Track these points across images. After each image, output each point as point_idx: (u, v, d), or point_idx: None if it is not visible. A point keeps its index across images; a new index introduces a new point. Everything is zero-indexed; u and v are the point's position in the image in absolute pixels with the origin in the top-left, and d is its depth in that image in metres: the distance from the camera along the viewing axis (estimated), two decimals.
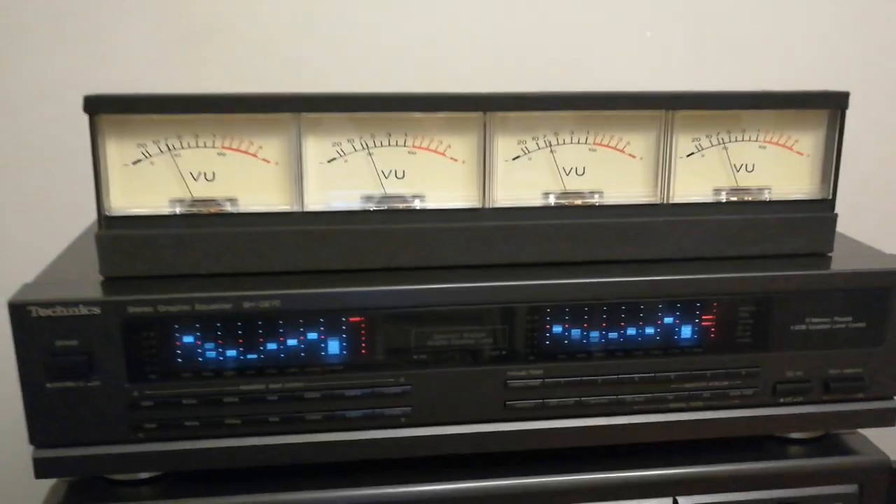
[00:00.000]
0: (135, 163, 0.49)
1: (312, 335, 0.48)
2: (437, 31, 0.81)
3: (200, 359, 0.47)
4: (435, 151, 0.51)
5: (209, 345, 0.47)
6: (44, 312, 0.45)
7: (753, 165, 0.53)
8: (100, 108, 0.47)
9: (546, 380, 0.50)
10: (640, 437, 0.52)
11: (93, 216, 0.50)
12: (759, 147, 0.53)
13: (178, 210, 0.49)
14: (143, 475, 0.50)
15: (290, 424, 0.49)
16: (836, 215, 0.53)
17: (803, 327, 0.52)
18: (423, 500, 0.51)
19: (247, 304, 0.47)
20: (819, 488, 0.54)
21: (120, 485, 0.51)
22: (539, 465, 0.52)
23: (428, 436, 0.50)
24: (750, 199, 0.53)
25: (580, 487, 0.52)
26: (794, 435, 0.56)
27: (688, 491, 0.53)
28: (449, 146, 0.51)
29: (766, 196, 0.53)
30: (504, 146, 0.51)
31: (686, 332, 0.51)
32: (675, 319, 0.51)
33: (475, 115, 0.50)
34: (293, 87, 0.52)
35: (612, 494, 0.52)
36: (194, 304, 0.46)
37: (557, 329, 0.50)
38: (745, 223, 0.53)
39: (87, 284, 0.48)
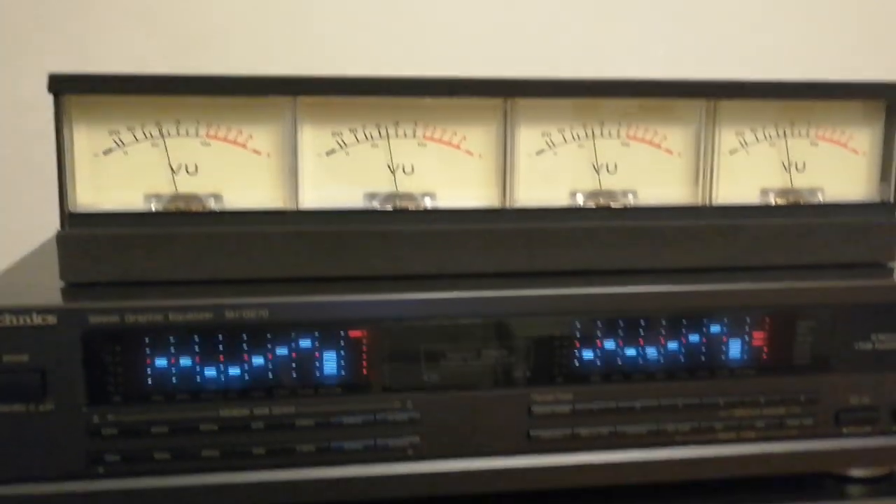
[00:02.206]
0: (106, 152, 0.42)
1: (305, 351, 0.41)
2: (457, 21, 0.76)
3: (174, 378, 0.40)
4: (448, 144, 0.45)
5: (184, 362, 0.40)
6: None
7: (804, 164, 0.48)
8: (66, 87, 0.41)
9: (576, 405, 0.43)
10: (684, 473, 0.45)
11: None
12: (811, 144, 0.48)
13: (154, 207, 0.43)
14: None
15: (278, 457, 0.41)
16: None
17: (869, 346, 0.45)
18: None
19: (229, 314, 0.40)
20: None
21: None
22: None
23: (439, 472, 0.43)
24: (801, 201, 0.47)
25: None
26: (857, 473, 0.49)
27: None
28: (464, 138, 0.45)
29: (819, 198, 0.48)
30: (527, 139, 0.45)
31: (735, 350, 0.45)
32: (722, 336, 0.44)
33: (494, 103, 0.44)
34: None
35: None
36: (168, 313, 0.40)
37: (589, 347, 0.43)
38: (797, 228, 0.47)
39: (44, 290, 0.42)
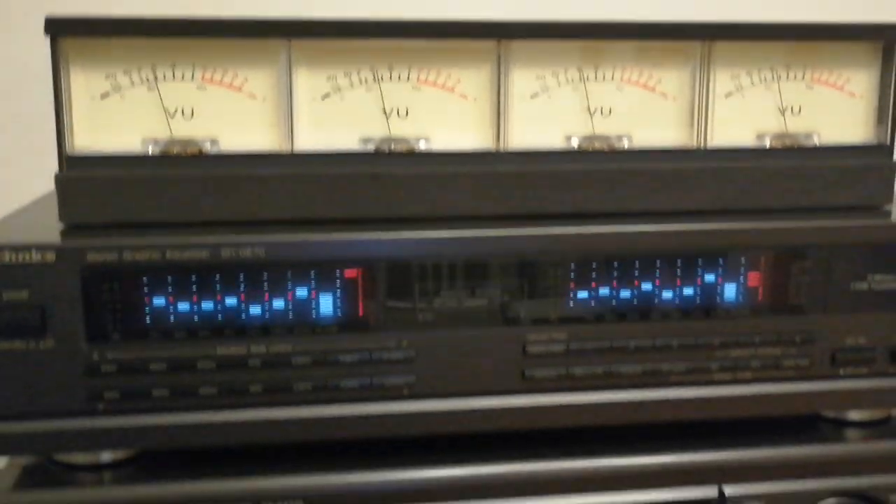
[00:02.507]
0: (103, 96, 0.43)
1: (302, 290, 0.42)
2: None
3: (171, 316, 0.41)
4: (443, 87, 0.45)
5: (182, 300, 0.41)
6: None
7: (800, 108, 0.48)
8: (63, 29, 0.41)
9: (571, 345, 0.44)
10: (679, 414, 0.45)
11: None
12: (807, 87, 0.47)
13: (151, 150, 0.43)
14: (106, 458, 0.44)
15: (275, 395, 0.42)
16: (895, 163, 0.48)
17: (865, 286, 0.45)
18: (428, 486, 0.44)
19: (226, 253, 0.41)
20: (883, 477, 0.47)
21: (79, 470, 0.44)
22: (563, 447, 0.45)
23: (434, 411, 0.43)
24: (797, 145, 0.47)
25: (611, 473, 0.45)
26: (854, 416, 0.49)
27: (735, 479, 0.46)
28: (458, 81, 0.45)
29: (815, 141, 0.48)
30: (521, 81, 0.45)
31: (730, 291, 0.44)
32: (717, 277, 0.44)
33: (488, 45, 0.44)
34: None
35: (649, 482, 0.45)
36: (165, 251, 0.40)
37: (584, 287, 0.43)
38: (793, 171, 0.47)
39: (44, 231, 0.42)
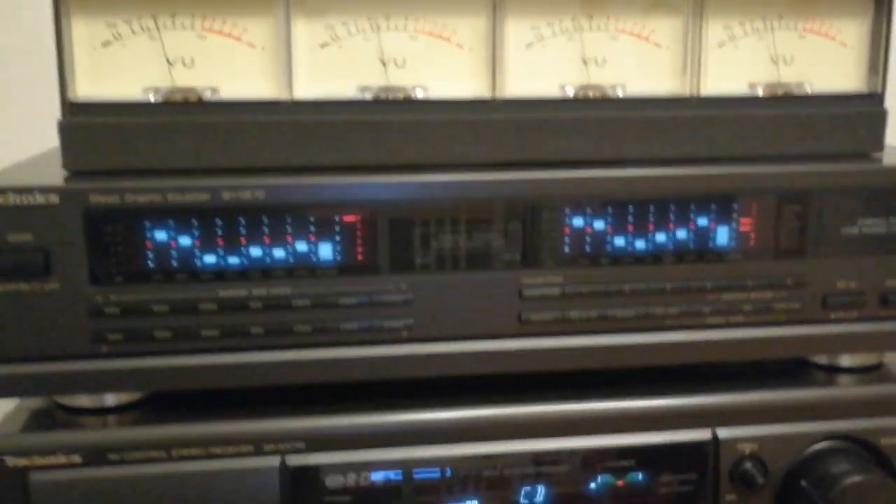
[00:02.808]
0: (104, 44, 0.43)
1: (301, 234, 0.42)
2: None
3: (173, 259, 0.42)
4: (439, 37, 0.46)
5: (183, 243, 0.41)
6: None
7: (792, 57, 0.48)
8: None
9: (566, 288, 0.44)
10: (673, 358, 0.46)
11: None
12: (799, 37, 0.48)
13: (152, 98, 0.44)
14: (111, 402, 0.45)
15: (276, 337, 0.43)
16: (887, 111, 0.48)
17: (855, 230, 0.46)
18: (427, 429, 0.44)
19: (227, 196, 0.41)
20: (877, 420, 0.48)
21: (85, 414, 0.44)
22: (559, 391, 0.46)
23: (432, 354, 0.44)
24: (789, 93, 0.48)
25: (605, 416, 0.46)
26: (845, 363, 0.50)
27: (728, 422, 0.47)
28: (454, 31, 0.45)
29: (807, 90, 0.48)
30: (516, 31, 0.46)
31: (723, 235, 0.45)
32: (710, 221, 0.45)
33: None
34: None
35: (643, 425, 0.46)
36: (167, 194, 0.41)
37: (579, 230, 0.44)
38: (785, 119, 0.47)
39: (48, 176, 0.43)
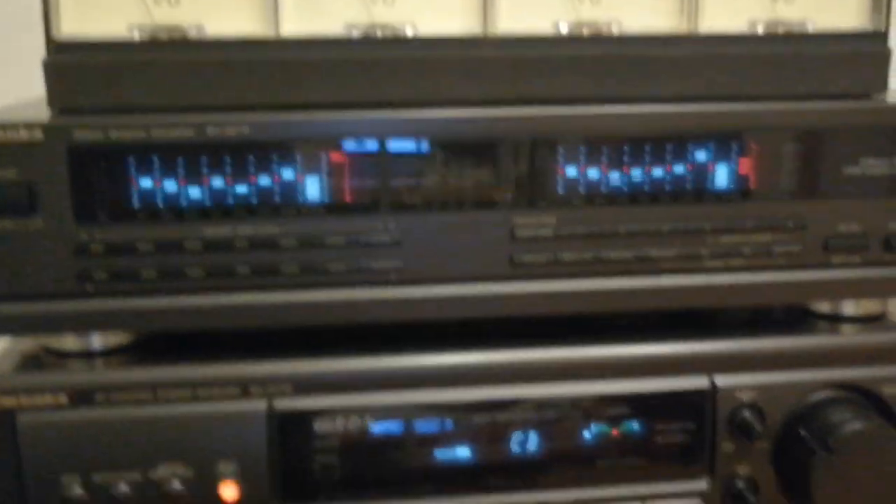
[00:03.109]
0: None
1: (287, 171, 0.42)
2: None
3: (158, 197, 0.41)
4: None
5: (168, 180, 0.41)
6: None
7: None
8: None
9: (559, 229, 0.44)
10: (670, 302, 0.45)
11: None
12: None
13: (137, 36, 0.43)
14: (97, 345, 0.44)
15: (262, 277, 0.42)
16: (891, 50, 0.47)
17: (857, 171, 0.45)
18: (414, 373, 0.44)
19: (211, 132, 0.41)
20: (879, 368, 0.46)
21: (73, 357, 0.44)
22: (551, 336, 0.45)
23: (422, 297, 0.43)
24: (790, 31, 0.47)
25: (602, 362, 0.45)
26: (848, 312, 0.48)
27: (727, 369, 0.46)
28: None
29: (809, 28, 0.47)
30: None
31: (721, 175, 0.44)
32: (708, 161, 0.44)
33: None
34: None
35: (639, 371, 0.45)
36: (151, 130, 0.40)
37: (572, 169, 0.43)
38: (785, 58, 0.46)
39: (33, 113, 0.42)
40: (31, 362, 0.44)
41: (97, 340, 0.44)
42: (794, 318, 0.49)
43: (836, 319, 0.48)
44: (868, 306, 0.48)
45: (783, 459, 0.46)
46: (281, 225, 0.42)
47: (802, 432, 0.45)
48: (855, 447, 0.44)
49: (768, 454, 0.46)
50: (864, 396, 0.46)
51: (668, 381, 0.45)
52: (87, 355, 0.44)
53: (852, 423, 0.44)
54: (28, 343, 0.46)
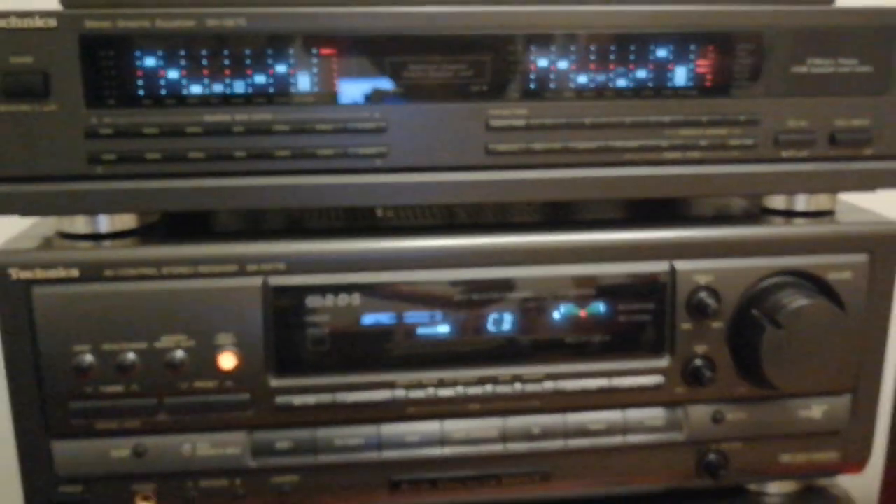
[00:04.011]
0: None
1: (281, 61, 0.45)
2: None
3: (161, 83, 0.45)
4: None
5: (171, 68, 0.45)
6: None
7: None
8: None
9: (531, 120, 0.47)
10: (633, 191, 0.49)
11: None
12: None
13: None
14: (105, 228, 0.48)
15: (257, 161, 0.46)
16: None
17: (804, 69, 0.48)
18: (397, 255, 0.47)
19: (211, 22, 0.44)
20: (826, 257, 0.50)
21: (85, 239, 0.48)
22: (523, 223, 0.49)
23: (404, 182, 0.47)
24: None
25: (569, 247, 0.49)
26: (800, 207, 0.52)
27: (686, 255, 0.50)
28: None
29: None
30: None
31: (680, 72, 0.48)
32: (666, 58, 0.48)
33: None
34: None
35: (604, 255, 0.49)
36: (155, 19, 0.44)
37: (543, 63, 0.47)
38: None
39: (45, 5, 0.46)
40: (46, 242, 0.48)
41: (105, 223, 0.48)
42: (750, 213, 0.53)
43: (789, 214, 0.53)
44: (819, 202, 0.52)
45: (737, 338, 0.50)
46: (275, 112, 0.45)
47: (754, 312, 0.49)
48: (801, 322, 0.48)
49: (724, 334, 0.50)
50: (811, 282, 0.50)
51: (632, 266, 0.49)
52: (97, 237, 0.48)
53: (799, 301, 0.48)
54: (43, 227, 0.50)
